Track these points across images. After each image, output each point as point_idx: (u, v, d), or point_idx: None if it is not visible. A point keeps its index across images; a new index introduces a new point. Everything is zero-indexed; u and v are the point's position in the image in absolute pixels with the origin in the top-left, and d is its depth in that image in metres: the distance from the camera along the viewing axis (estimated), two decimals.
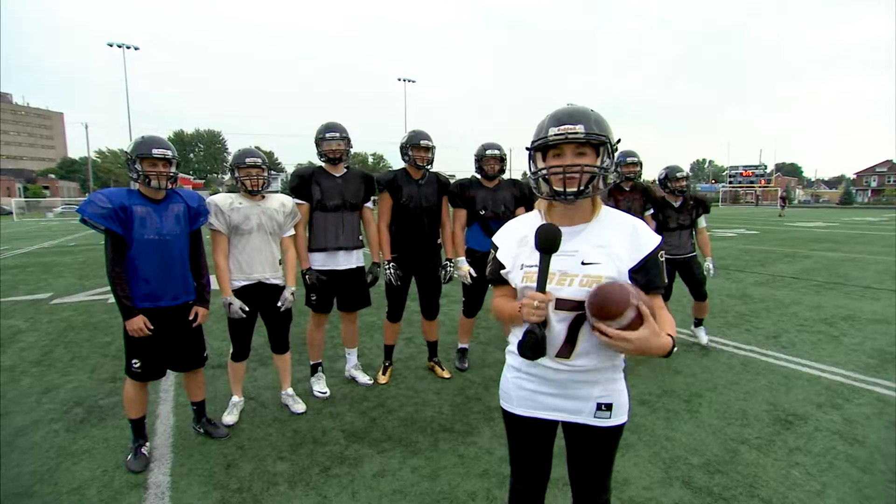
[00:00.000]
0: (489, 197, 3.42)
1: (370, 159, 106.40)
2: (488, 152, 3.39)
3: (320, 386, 3.28)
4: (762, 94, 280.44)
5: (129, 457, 2.47)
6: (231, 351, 2.91)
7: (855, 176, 71.92)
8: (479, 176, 3.49)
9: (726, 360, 3.85)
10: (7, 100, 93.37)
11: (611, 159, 1.22)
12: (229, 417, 2.87)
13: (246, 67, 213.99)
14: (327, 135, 3.07)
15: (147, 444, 2.54)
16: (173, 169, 2.39)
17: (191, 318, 2.53)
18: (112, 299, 6.21)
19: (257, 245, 2.79)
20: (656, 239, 1.23)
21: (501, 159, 3.45)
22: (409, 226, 3.32)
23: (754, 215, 28.42)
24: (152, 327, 2.35)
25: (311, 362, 3.35)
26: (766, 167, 56.17)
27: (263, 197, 2.85)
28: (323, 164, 3.15)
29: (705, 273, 4.11)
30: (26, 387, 3.45)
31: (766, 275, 7.67)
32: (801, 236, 14.43)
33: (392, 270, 3.28)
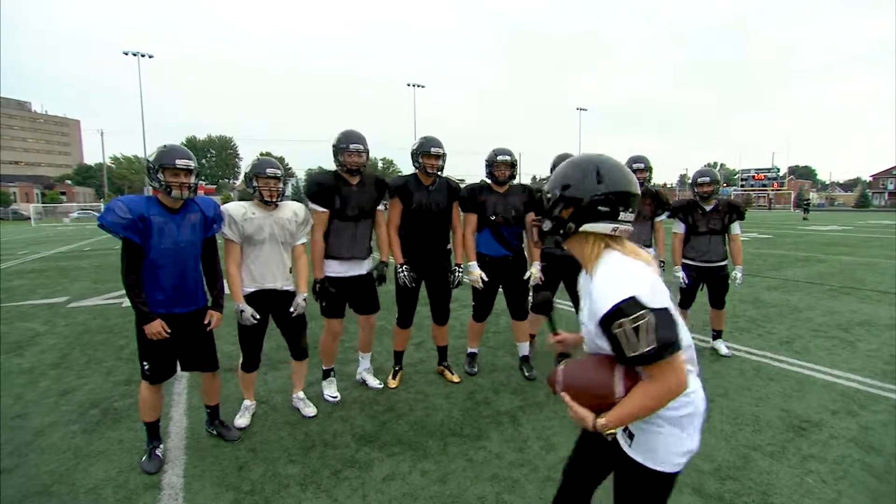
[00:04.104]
0: (500, 202, 3.43)
1: (380, 164, 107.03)
2: (499, 158, 3.38)
3: (331, 390, 3.29)
4: (775, 95, 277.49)
5: (144, 458, 2.51)
6: (241, 361, 2.94)
7: (871, 178, 70.67)
8: (489, 181, 3.50)
9: (738, 366, 3.80)
10: (27, 108, 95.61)
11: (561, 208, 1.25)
12: (241, 420, 2.91)
13: (257, 75, 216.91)
14: (351, 146, 3.02)
15: (161, 445, 2.58)
16: (194, 179, 2.43)
17: (206, 321, 2.57)
18: (126, 303, 6.32)
19: (269, 255, 2.83)
20: (609, 301, 1.09)
21: (512, 165, 3.44)
22: (419, 231, 3.34)
23: (767, 219, 28.05)
24: (170, 330, 2.41)
25: (324, 367, 3.36)
26: (778, 170, 55.43)
27: (277, 206, 2.87)
28: (338, 171, 3.12)
29: (731, 281, 4.01)
30: (45, 388, 3.52)
31: (780, 279, 7.57)
32: (816, 240, 14.21)
33: (405, 273, 3.29)
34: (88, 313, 5.87)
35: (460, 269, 3.46)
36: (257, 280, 2.82)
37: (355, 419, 2.99)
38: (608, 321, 1.10)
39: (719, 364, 3.85)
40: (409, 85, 47.00)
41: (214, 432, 2.77)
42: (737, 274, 4.04)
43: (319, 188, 3.05)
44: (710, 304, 4.10)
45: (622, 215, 1.20)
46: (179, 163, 2.35)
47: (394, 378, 3.58)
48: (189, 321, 2.53)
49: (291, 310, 2.91)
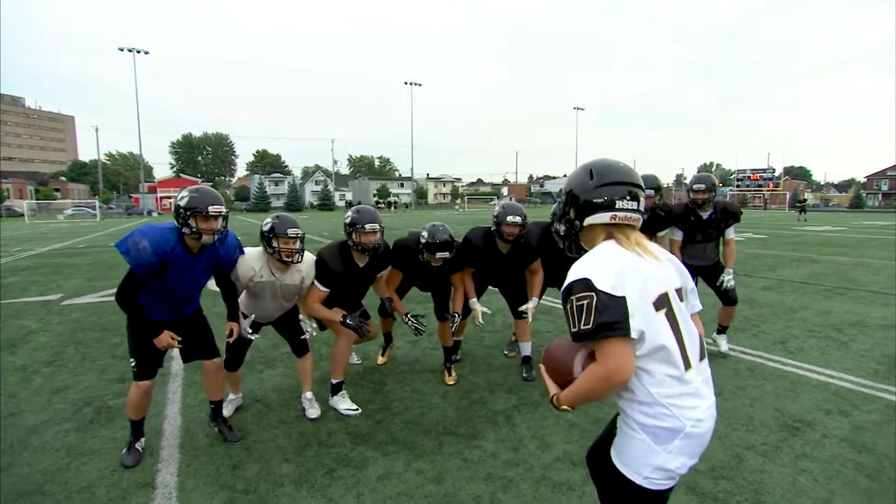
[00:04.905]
0: (498, 265, 3.36)
1: (376, 162, 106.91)
2: (509, 219, 3.11)
3: (346, 403, 3.09)
4: (771, 96, 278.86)
5: (124, 451, 2.53)
6: (225, 358, 2.93)
7: (865, 179, 71.14)
8: (495, 235, 3.26)
9: (732, 366, 3.82)
10: (20, 104, 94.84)
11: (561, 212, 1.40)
12: (224, 412, 2.91)
13: (255, 71, 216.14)
14: (367, 226, 2.83)
15: (143, 439, 2.58)
16: (223, 223, 2.40)
17: (226, 333, 2.69)
18: None
19: (269, 305, 2.92)
20: (569, 279, 1.20)
21: (522, 226, 3.15)
22: (420, 283, 3.53)
23: (762, 220, 28.19)
24: (180, 338, 2.46)
25: (333, 381, 3.11)
26: (774, 170, 55.73)
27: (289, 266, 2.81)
28: (350, 248, 2.98)
29: (721, 283, 3.92)
30: (38, 386, 3.50)
31: (774, 279, 7.61)
32: (810, 240, 14.29)
33: (411, 323, 3.27)
34: (82, 311, 5.84)
35: (459, 315, 3.41)
36: (255, 313, 2.92)
37: (350, 418, 2.98)
38: (564, 297, 1.21)
39: (714, 364, 3.86)
40: (406, 83, 46.94)
41: (216, 429, 2.76)
42: (725, 277, 3.91)
43: (328, 273, 2.92)
44: (723, 302, 4.00)
45: (619, 203, 1.26)
46: (213, 209, 2.33)
47: (382, 355, 3.73)
48: (183, 321, 2.59)
49: (304, 336, 3.03)
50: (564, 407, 1.23)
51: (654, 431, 1.18)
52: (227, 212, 2.43)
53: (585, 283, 1.15)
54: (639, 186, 1.28)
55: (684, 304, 1.27)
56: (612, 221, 1.26)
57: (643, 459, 1.19)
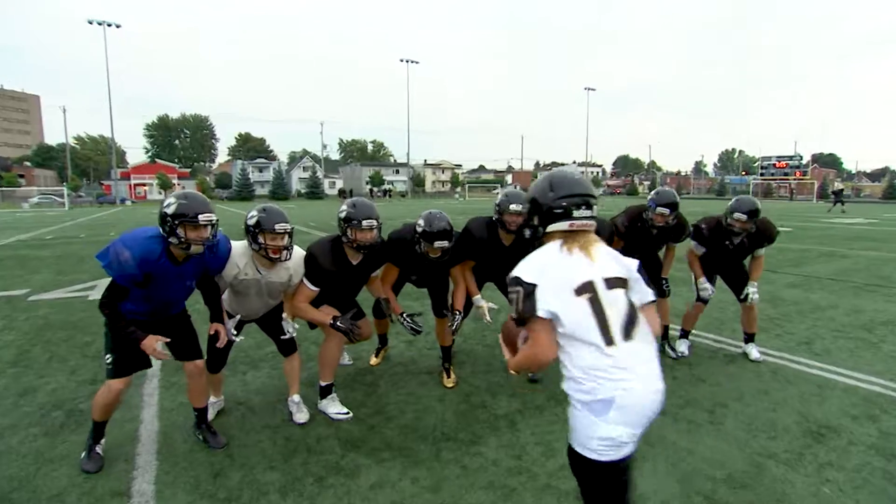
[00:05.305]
0: (502, 258, 3.33)
1: (370, 147, 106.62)
2: (512, 207, 3.13)
3: (337, 407, 3.11)
4: (798, 79, 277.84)
5: (83, 455, 2.55)
6: (205, 359, 2.91)
7: None
8: (497, 225, 3.29)
9: (754, 368, 3.84)
10: None
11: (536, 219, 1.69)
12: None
13: (236, 47, 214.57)
14: (364, 222, 2.81)
15: (103, 441, 2.61)
16: (212, 231, 2.41)
17: (211, 332, 2.74)
18: (92, 296, 6.30)
19: (254, 301, 2.94)
20: (508, 278, 1.57)
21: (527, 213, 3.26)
22: (417, 278, 3.59)
23: (788, 211, 28.21)
24: (168, 340, 2.50)
25: (322, 383, 3.13)
26: (801, 158, 55.61)
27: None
28: (344, 244, 2.96)
29: (746, 296, 3.87)
30: (2, 388, 3.51)
31: (800, 275, 7.64)
32: (839, 234, 14.32)
33: (407, 323, 3.27)
34: (50, 307, 5.84)
35: (459, 314, 3.40)
36: (240, 312, 2.95)
37: (341, 423, 3.00)
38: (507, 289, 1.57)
39: (735, 366, 3.89)
40: (402, 60, 46.72)
41: (201, 437, 2.77)
42: (750, 289, 3.87)
43: (318, 271, 2.91)
44: (741, 301, 3.98)
45: (576, 213, 1.59)
46: (203, 218, 2.33)
47: (376, 356, 3.80)
48: (166, 321, 2.65)
49: (284, 336, 2.99)
50: (512, 372, 1.68)
51: (591, 405, 1.46)
52: (217, 219, 2.44)
53: (516, 280, 1.52)
54: (592, 196, 1.62)
55: (627, 293, 1.54)
56: (570, 228, 1.59)
57: (587, 432, 1.48)
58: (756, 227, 3.72)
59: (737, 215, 3.64)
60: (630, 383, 1.44)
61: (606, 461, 1.47)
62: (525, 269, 1.53)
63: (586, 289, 1.48)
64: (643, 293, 1.60)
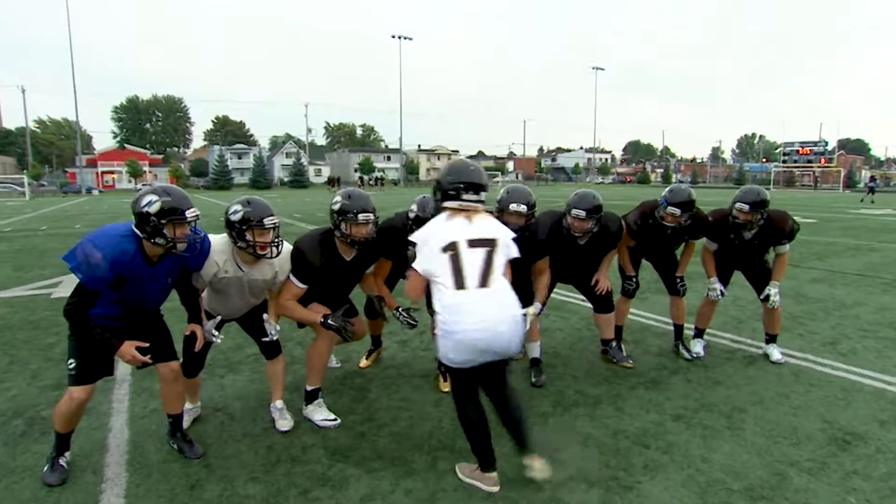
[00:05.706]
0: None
1: (359, 131, 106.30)
2: (512, 206, 3.04)
3: (324, 413, 3.10)
4: (823, 59, 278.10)
5: (46, 468, 2.54)
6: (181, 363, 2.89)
7: None
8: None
9: (775, 370, 3.87)
10: None
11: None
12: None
13: (213, 22, 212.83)
14: (361, 216, 2.76)
15: (68, 453, 2.60)
16: (194, 226, 2.44)
17: (186, 333, 2.76)
18: (56, 293, 6.26)
19: (236, 303, 2.94)
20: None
21: (530, 216, 3.11)
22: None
23: (812, 201, 28.33)
24: (147, 345, 2.49)
25: (308, 387, 3.13)
26: (826, 144, 55.78)
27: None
28: (336, 240, 2.94)
29: (767, 298, 3.86)
30: None
31: (825, 270, 7.68)
32: (867, 225, 14.41)
33: (403, 317, 3.27)
34: (9, 306, 5.81)
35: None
36: (220, 313, 2.96)
37: (328, 430, 3.00)
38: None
39: (754, 368, 3.91)
40: (394, 37, 46.50)
41: (175, 446, 2.76)
42: (771, 290, 3.84)
43: (307, 267, 2.89)
44: (762, 300, 3.95)
45: (465, 195, 2.33)
46: (189, 214, 2.36)
47: (367, 358, 3.85)
48: (140, 319, 2.65)
49: (266, 339, 2.97)
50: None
51: (443, 334, 2.25)
52: (198, 214, 2.45)
53: (412, 241, 2.38)
54: (480, 185, 2.34)
55: (493, 252, 2.31)
56: (459, 207, 2.33)
57: (442, 351, 2.28)
58: (767, 221, 3.68)
59: (739, 205, 3.60)
60: (468, 325, 2.16)
61: (455, 368, 2.30)
62: (417, 235, 2.37)
63: (450, 248, 2.24)
64: (509, 252, 2.39)
